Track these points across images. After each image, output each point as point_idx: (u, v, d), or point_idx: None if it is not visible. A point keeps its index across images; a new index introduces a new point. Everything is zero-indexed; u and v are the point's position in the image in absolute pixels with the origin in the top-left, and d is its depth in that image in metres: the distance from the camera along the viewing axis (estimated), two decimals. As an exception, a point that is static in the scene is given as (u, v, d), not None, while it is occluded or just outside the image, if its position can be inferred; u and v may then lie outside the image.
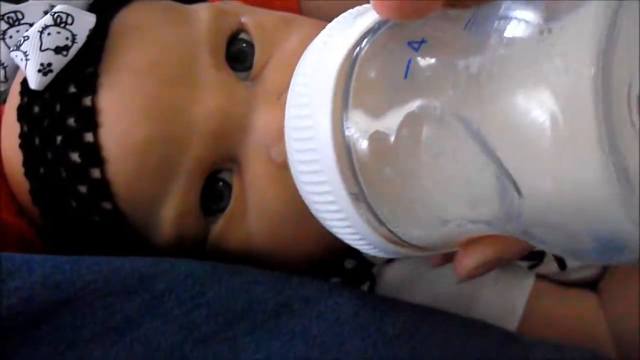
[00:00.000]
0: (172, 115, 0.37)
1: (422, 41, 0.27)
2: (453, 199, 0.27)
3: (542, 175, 0.24)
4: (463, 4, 0.29)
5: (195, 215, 0.38)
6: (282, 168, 0.33)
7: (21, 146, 0.38)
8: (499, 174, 0.25)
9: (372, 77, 0.28)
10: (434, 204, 0.28)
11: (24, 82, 0.38)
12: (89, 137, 0.36)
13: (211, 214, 0.39)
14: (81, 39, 0.37)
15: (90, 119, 0.36)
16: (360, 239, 0.29)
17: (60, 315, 0.31)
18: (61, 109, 0.37)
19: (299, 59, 0.30)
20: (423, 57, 0.26)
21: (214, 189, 0.39)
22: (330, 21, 0.30)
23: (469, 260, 0.31)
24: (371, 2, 0.27)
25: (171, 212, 0.38)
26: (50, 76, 0.37)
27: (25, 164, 0.38)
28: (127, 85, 0.37)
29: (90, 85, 0.37)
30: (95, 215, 0.38)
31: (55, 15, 0.37)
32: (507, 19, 0.25)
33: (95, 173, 0.37)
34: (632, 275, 0.45)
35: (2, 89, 0.40)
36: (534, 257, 0.46)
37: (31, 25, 0.38)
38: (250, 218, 0.38)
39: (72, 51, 0.37)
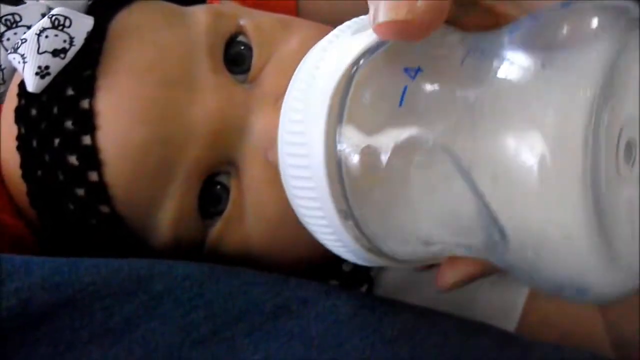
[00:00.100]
0: (170, 117, 0.37)
1: (419, 69, 0.27)
2: (438, 226, 0.28)
3: (527, 218, 0.24)
4: (463, 27, 0.29)
5: (193, 218, 0.38)
6: None
7: (19, 148, 0.38)
8: (485, 213, 0.25)
9: (366, 100, 0.28)
10: (419, 229, 0.29)
11: (22, 84, 0.38)
12: (86, 139, 0.36)
13: (209, 217, 0.39)
14: (79, 42, 0.37)
15: (88, 122, 0.36)
16: (348, 252, 0.30)
17: (59, 317, 0.31)
18: (59, 111, 0.37)
19: (297, 61, 0.30)
20: (418, 86, 0.27)
21: (212, 192, 0.39)
22: (328, 23, 0.30)
23: (451, 274, 0.32)
24: (370, 22, 0.27)
25: (169, 215, 0.38)
26: (48, 79, 0.37)
27: (23, 166, 0.38)
28: (125, 87, 0.37)
29: (88, 88, 0.37)
30: (93, 218, 0.37)
31: (53, 18, 0.37)
32: (505, 56, 0.25)
33: (93, 176, 0.37)
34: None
35: (1, 90, 0.40)
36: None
37: (29, 27, 0.38)
38: (248, 221, 0.38)
39: (70, 54, 0.37)
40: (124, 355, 0.31)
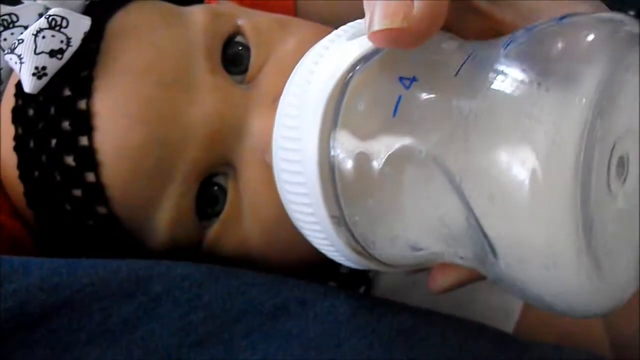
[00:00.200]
0: (167, 118, 0.37)
1: (414, 79, 0.27)
2: (429, 235, 0.28)
3: (516, 232, 0.24)
4: (460, 34, 0.29)
5: (190, 219, 0.38)
6: None
7: (16, 149, 0.38)
8: (474, 226, 0.25)
9: (361, 107, 0.28)
10: (410, 236, 0.29)
11: (19, 85, 0.38)
12: (83, 140, 0.36)
13: (206, 218, 0.39)
14: (76, 42, 0.37)
15: (85, 123, 0.36)
16: (340, 256, 0.30)
17: (57, 318, 0.31)
18: (56, 112, 0.37)
19: (295, 62, 0.30)
20: (413, 96, 0.27)
21: (209, 193, 0.39)
22: (326, 23, 0.30)
23: (442, 279, 0.32)
24: (365, 27, 0.27)
25: (166, 216, 0.38)
26: (45, 80, 0.37)
27: (20, 166, 0.38)
28: (122, 88, 0.37)
29: (85, 89, 0.37)
30: (90, 218, 0.37)
31: (50, 18, 0.37)
32: (500, 69, 0.25)
33: (90, 177, 0.36)
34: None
35: (-2, 90, 0.40)
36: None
37: (26, 28, 0.38)
38: (245, 222, 0.38)
39: (67, 54, 0.37)
40: (122, 357, 0.31)
